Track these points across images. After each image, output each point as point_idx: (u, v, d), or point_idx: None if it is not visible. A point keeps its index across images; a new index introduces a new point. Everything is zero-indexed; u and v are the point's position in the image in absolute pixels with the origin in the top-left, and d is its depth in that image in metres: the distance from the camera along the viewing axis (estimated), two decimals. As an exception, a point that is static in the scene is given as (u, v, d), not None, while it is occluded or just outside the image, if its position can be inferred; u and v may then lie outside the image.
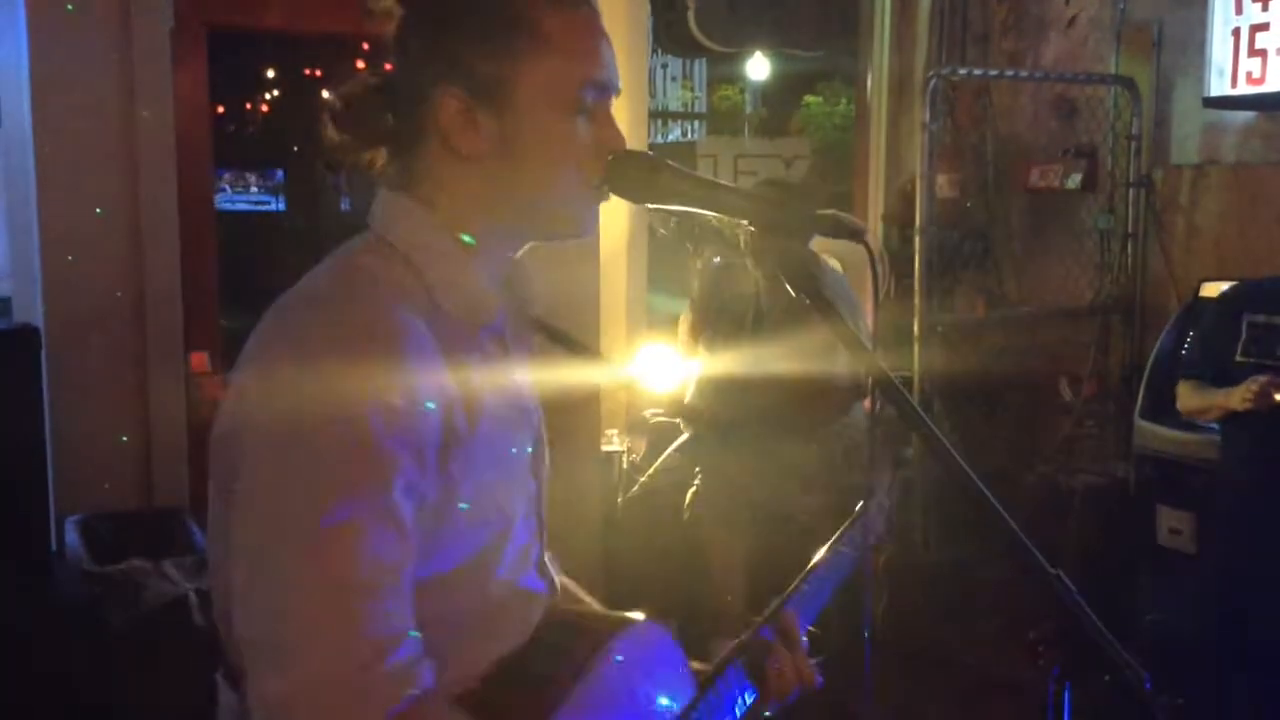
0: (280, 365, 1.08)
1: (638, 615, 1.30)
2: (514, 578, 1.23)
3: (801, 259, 1.17)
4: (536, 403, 1.31)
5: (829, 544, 1.57)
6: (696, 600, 3.78)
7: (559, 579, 1.39)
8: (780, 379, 3.51)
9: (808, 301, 1.15)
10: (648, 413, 4.52)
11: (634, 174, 1.21)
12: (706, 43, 5.52)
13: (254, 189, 10.67)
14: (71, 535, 3.24)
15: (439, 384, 1.09)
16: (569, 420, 2.66)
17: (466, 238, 1.20)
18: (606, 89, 1.22)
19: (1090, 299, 4.51)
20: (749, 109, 9.74)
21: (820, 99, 8.75)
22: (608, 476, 4.21)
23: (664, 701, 1.27)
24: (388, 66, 1.22)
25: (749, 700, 1.37)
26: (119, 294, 3.46)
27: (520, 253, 1.29)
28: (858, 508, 1.64)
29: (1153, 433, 3.77)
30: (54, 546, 3.16)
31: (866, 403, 3.83)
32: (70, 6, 3.36)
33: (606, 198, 1.23)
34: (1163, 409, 3.79)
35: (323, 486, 1.01)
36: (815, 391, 3.59)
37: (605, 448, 4.25)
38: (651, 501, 3.90)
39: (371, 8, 1.20)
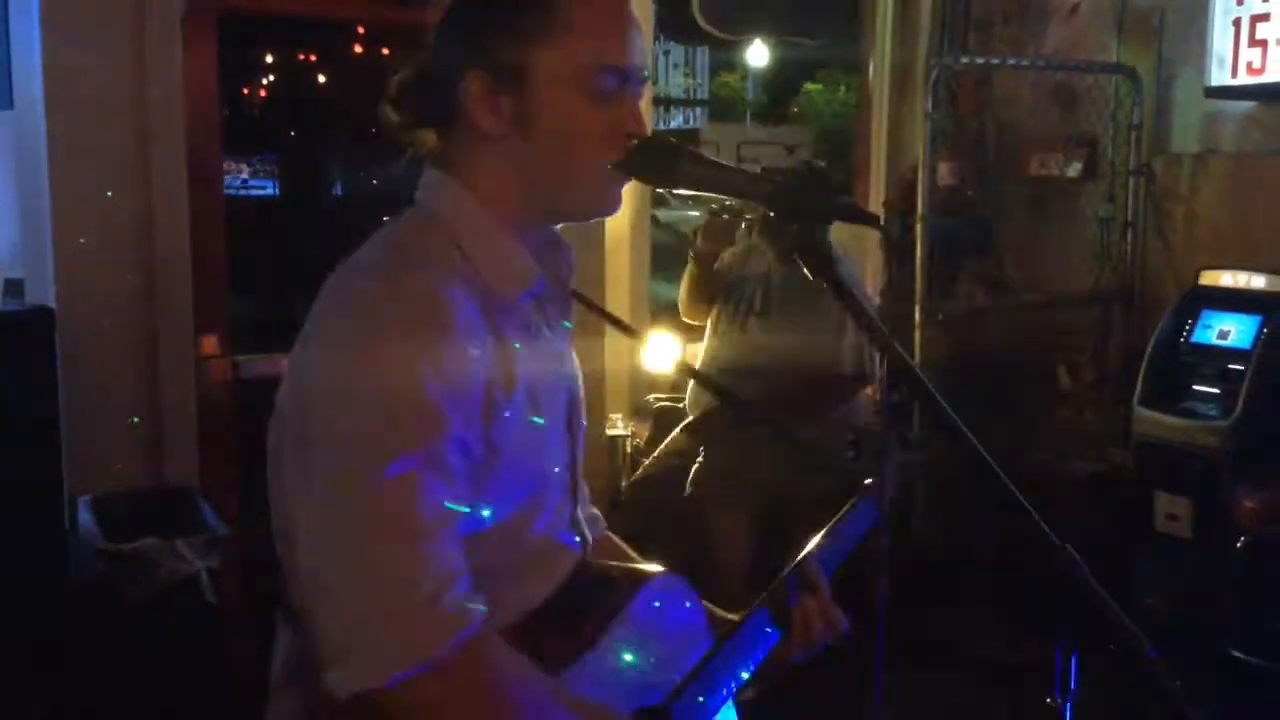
0: (346, 331, 1.16)
1: (657, 568, 1.39)
2: (548, 534, 1.30)
3: (819, 244, 1.20)
4: (574, 369, 1.38)
5: (848, 504, 1.60)
6: (698, 582, 3.79)
7: (605, 534, 1.50)
8: (786, 363, 3.55)
9: (825, 287, 1.18)
10: (651, 398, 4.55)
11: (654, 159, 1.25)
12: (710, 29, 5.52)
13: (246, 175, 10.63)
14: (84, 515, 3.27)
15: (483, 353, 1.17)
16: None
17: (504, 211, 1.26)
18: (629, 75, 1.24)
19: (1090, 287, 4.54)
20: (749, 96, 9.75)
21: (820, 86, 8.77)
22: (611, 461, 4.24)
23: (678, 654, 1.34)
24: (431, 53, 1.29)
25: (771, 640, 1.42)
26: (130, 276, 3.48)
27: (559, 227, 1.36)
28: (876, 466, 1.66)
29: (1151, 419, 3.80)
30: (67, 526, 3.20)
31: (869, 389, 3.86)
32: (83, -10, 3.38)
33: (627, 179, 1.27)
34: (1161, 396, 3.83)
35: (387, 442, 1.09)
36: (820, 377, 3.62)
37: (609, 432, 4.28)
38: (655, 486, 3.92)
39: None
